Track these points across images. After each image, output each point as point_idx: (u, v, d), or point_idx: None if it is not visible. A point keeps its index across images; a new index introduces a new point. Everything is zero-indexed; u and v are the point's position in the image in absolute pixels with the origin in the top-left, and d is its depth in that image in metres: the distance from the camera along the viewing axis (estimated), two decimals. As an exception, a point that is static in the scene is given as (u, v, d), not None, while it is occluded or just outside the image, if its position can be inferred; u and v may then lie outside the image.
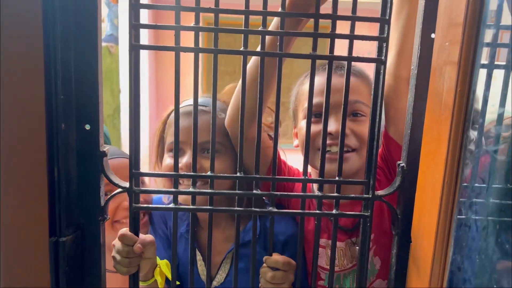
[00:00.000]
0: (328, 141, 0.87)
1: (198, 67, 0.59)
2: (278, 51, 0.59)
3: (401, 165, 0.62)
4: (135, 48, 0.57)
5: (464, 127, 0.51)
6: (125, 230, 0.66)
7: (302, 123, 0.95)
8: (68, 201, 0.59)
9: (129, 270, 0.67)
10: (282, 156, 1.02)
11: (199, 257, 0.96)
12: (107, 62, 4.08)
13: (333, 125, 0.88)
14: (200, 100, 0.94)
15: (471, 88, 0.50)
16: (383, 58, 0.57)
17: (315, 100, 0.83)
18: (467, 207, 0.53)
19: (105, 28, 4.14)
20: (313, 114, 0.89)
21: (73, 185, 0.60)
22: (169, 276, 0.79)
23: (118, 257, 0.68)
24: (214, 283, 0.94)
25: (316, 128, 0.89)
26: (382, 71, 0.58)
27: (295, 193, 0.63)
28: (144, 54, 4.43)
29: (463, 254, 0.52)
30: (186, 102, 0.97)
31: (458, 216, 0.54)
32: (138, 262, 0.67)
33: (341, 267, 0.95)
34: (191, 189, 0.60)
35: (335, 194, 0.62)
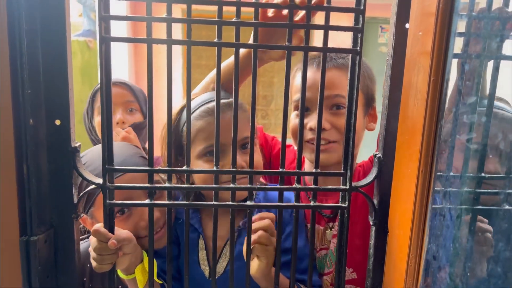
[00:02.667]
0: (311, 136, 0.94)
1: (171, 59, 0.58)
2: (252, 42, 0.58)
3: (378, 155, 0.62)
4: (105, 40, 0.55)
5: (438, 117, 0.52)
6: (99, 225, 0.64)
7: (292, 115, 1.00)
8: (39, 198, 0.57)
9: (102, 267, 0.65)
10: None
11: (201, 245, 0.91)
12: (86, 57, 3.99)
13: (314, 121, 0.90)
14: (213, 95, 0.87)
15: (444, 78, 0.51)
16: (358, 48, 0.57)
17: (298, 95, 0.91)
18: (441, 196, 0.53)
19: (82, 23, 4.05)
20: (298, 108, 0.93)
21: (44, 182, 0.58)
22: (154, 275, 0.77)
23: (92, 253, 0.67)
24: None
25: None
26: (357, 62, 0.58)
27: (273, 186, 0.63)
28: (123, 47, 4.35)
29: (438, 242, 0.53)
30: (203, 98, 0.88)
31: (433, 206, 0.55)
32: (112, 259, 0.66)
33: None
34: (166, 185, 0.59)
35: (313, 186, 0.61)
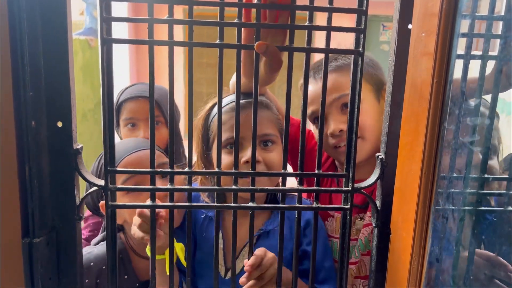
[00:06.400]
0: (333, 141, 0.99)
1: (173, 60, 0.58)
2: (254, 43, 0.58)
3: (380, 157, 0.62)
4: (107, 42, 0.55)
5: (441, 118, 0.51)
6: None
7: (312, 128, 1.07)
8: (41, 201, 0.57)
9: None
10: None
11: (221, 245, 0.92)
12: (87, 56, 3.99)
13: (331, 126, 0.97)
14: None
15: (447, 79, 0.50)
16: (360, 49, 0.57)
17: (310, 109, 0.99)
18: (444, 198, 0.53)
19: (84, 21, 4.04)
20: (314, 118, 1.02)
21: (46, 184, 0.58)
22: (182, 258, 0.83)
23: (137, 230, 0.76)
24: (230, 274, 0.91)
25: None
26: (359, 62, 0.57)
27: (276, 188, 0.62)
28: (124, 47, 4.34)
29: (441, 245, 0.53)
30: (230, 98, 0.93)
31: (436, 207, 0.55)
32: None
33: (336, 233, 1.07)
34: (168, 186, 0.59)
35: (315, 188, 0.61)
